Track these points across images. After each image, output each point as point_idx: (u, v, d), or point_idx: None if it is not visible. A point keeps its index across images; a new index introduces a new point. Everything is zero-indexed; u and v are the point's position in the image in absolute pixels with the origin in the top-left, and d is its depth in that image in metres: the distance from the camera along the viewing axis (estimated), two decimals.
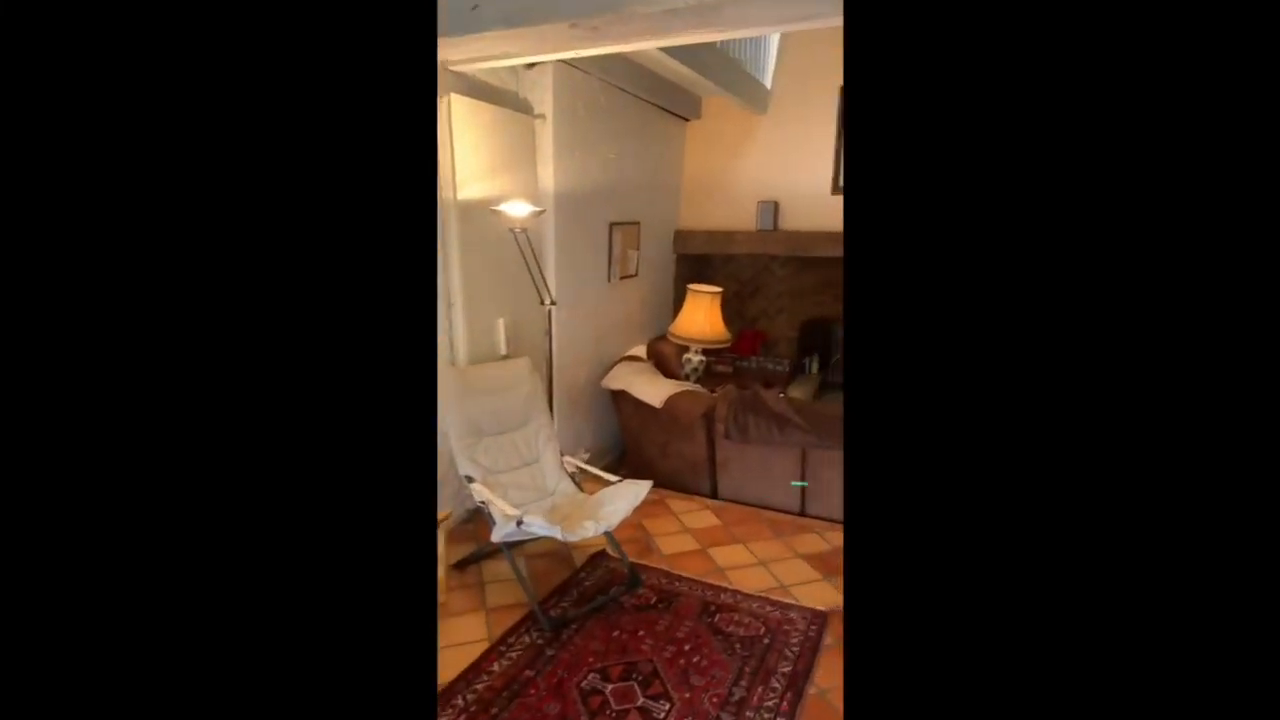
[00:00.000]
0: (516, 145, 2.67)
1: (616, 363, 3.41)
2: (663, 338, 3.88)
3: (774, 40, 4.19)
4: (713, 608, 2.07)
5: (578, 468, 2.37)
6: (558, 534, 1.87)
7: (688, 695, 1.69)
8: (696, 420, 2.79)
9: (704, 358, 3.64)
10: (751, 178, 4.41)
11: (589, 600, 2.10)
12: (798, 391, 4.24)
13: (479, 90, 2.50)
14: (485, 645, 1.86)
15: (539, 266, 2.64)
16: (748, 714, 1.64)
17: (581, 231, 3.14)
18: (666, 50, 2.93)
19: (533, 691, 1.70)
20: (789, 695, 1.70)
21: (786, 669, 1.80)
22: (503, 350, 2.63)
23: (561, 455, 2.39)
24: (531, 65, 2.68)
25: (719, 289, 3.64)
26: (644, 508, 2.75)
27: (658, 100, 3.79)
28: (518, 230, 2.43)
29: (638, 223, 3.80)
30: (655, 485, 3.09)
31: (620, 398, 3.10)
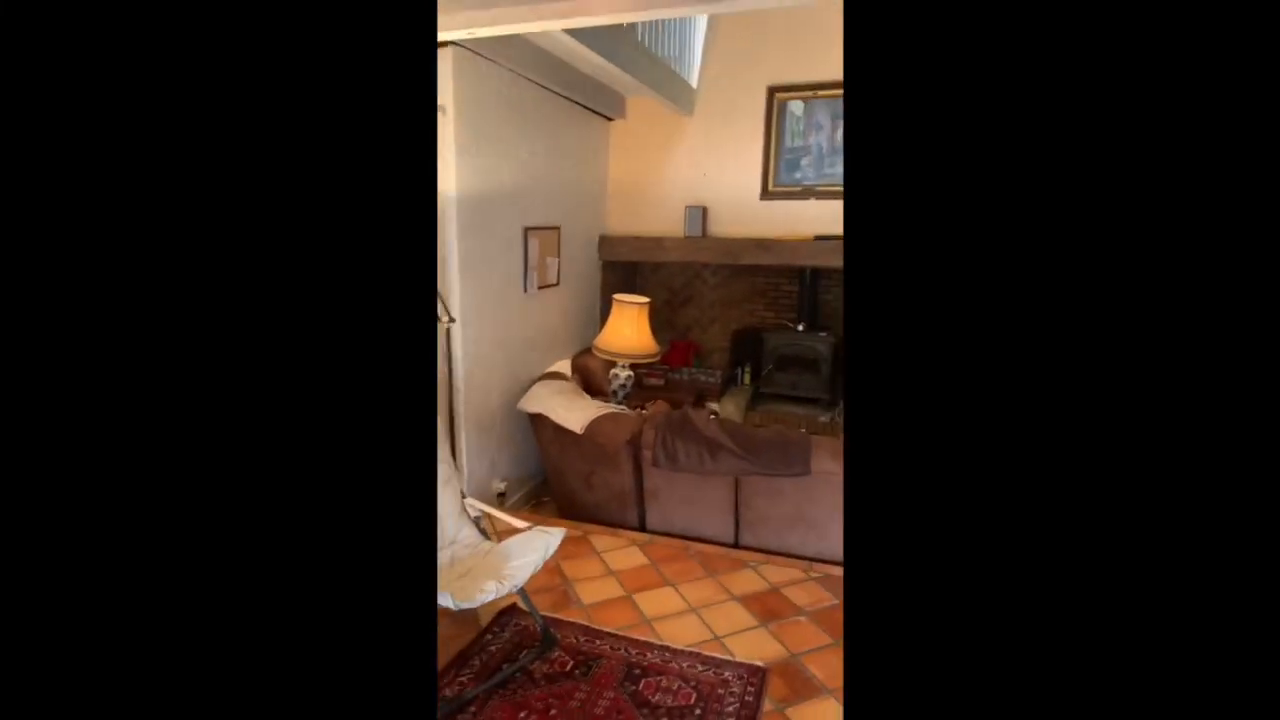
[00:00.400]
0: None
1: (535, 381, 3.10)
2: (589, 351, 3.61)
3: (699, 37, 4.01)
4: (637, 671, 1.80)
5: (482, 511, 2.06)
6: (449, 603, 1.56)
7: None
8: (621, 447, 2.53)
9: (632, 373, 3.39)
10: (679, 182, 4.21)
11: (494, 672, 1.79)
12: (730, 404, 4.06)
13: None
14: None
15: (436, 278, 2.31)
16: None
17: (490, 238, 2.82)
18: (585, 43, 2.67)
19: None
20: None
21: None
22: None
23: (464, 497, 2.08)
24: None
25: (646, 299, 3.40)
26: (565, 547, 2.46)
27: (577, 97, 3.52)
28: None
29: (557, 227, 3.51)
30: (579, 519, 2.82)
31: (538, 422, 2.80)
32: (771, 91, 3.85)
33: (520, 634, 1.97)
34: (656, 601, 2.14)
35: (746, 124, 3.97)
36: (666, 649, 1.90)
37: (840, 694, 1.71)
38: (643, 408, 3.59)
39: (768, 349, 4.17)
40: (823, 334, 4.04)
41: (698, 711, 1.67)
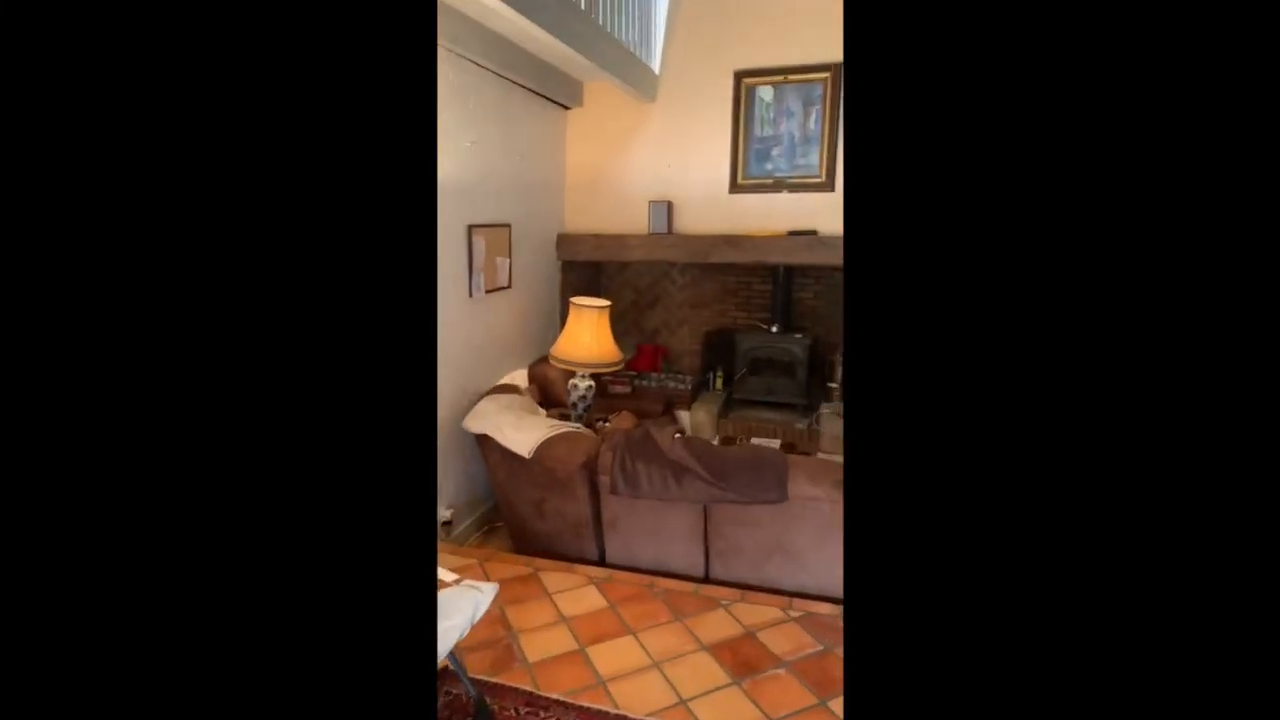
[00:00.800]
0: None
1: (484, 396, 2.79)
2: (547, 360, 3.31)
3: (661, 18, 3.72)
4: None
5: None
6: None
7: None
8: (575, 472, 2.24)
9: (593, 383, 3.10)
10: (642, 175, 3.92)
11: None
12: (702, 411, 3.79)
13: None
14: None
15: None
16: None
17: None
18: (536, 20, 2.37)
19: None
20: None
21: None
22: None
23: None
24: None
25: (607, 302, 3.11)
26: (513, 588, 2.16)
27: (529, 82, 3.21)
28: None
29: (508, 225, 3.20)
30: (532, 551, 2.52)
31: (485, 443, 2.50)
32: (739, 76, 3.58)
33: (451, 706, 1.67)
34: (614, 656, 1.85)
35: (713, 112, 3.70)
36: (624, 718, 1.61)
37: None
38: (605, 420, 3.30)
39: (740, 352, 3.91)
40: (798, 335, 3.80)
41: None
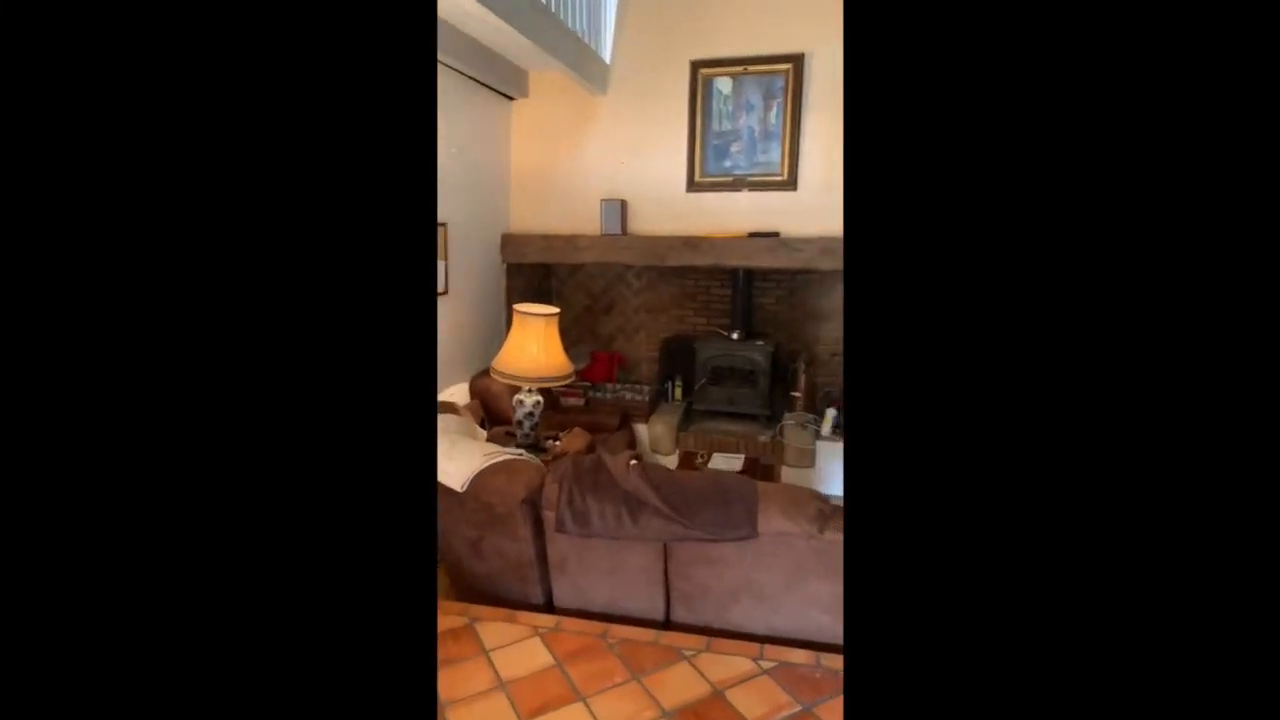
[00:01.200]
0: None
1: None
2: (488, 373, 3.00)
3: (611, 4, 3.47)
4: None
5: None
6: None
7: None
8: (517, 507, 1.96)
9: (540, 398, 2.82)
10: (594, 171, 3.66)
11: None
12: (660, 423, 3.55)
13: None
14: None
15: None
16: None
17: None
18: (482, 2, 2.09)
19: None
20: None
21: None
22: None
23: None
24: None
25: (555, 310, 2.83)
26: (446, 644, 1.86)
27: (468, 69, 2.91)
28: None
29: (443, 224, 2.89)
30: (470, 595, 2.22)
31: None
32: (696, 67, 3.36)
33: None
34: None
35: (668, 104, 3.46)
36: None
37: None
38: (556, 438, 3.02)
39: (700, 360, 3.69)
40: (759, 342, 3.60)
41: None
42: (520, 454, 2.20)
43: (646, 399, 3.73)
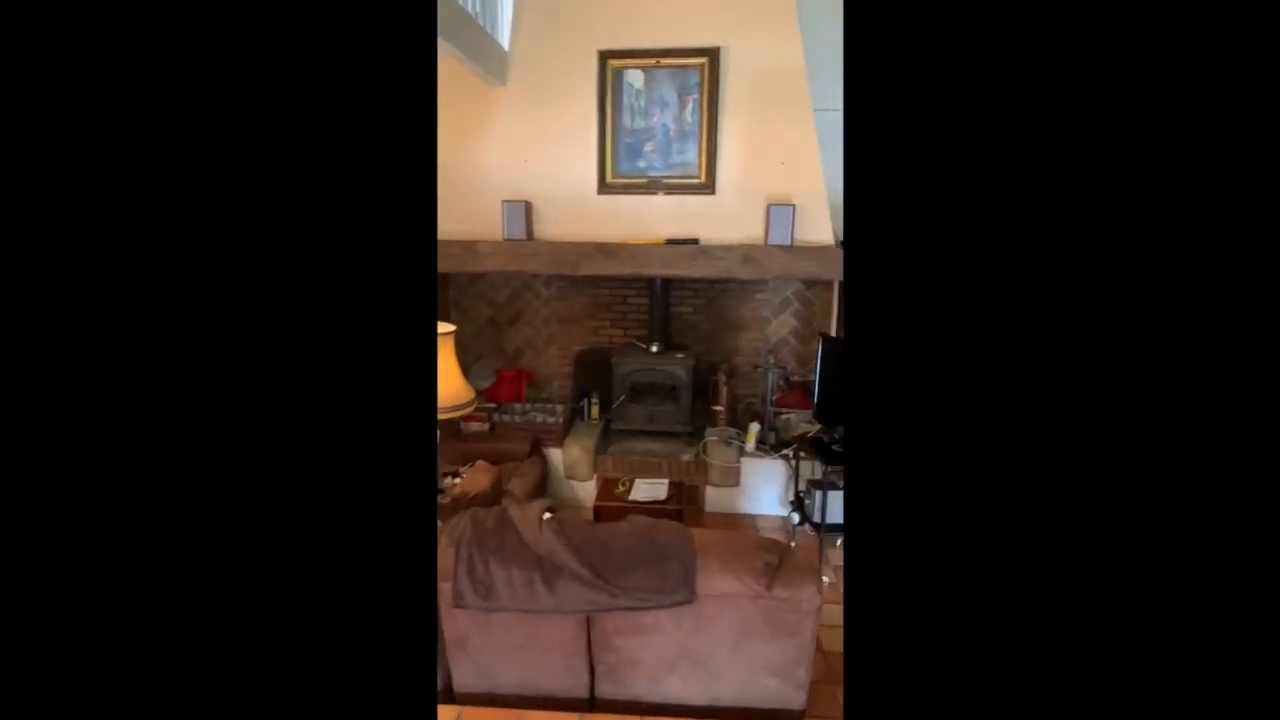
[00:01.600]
0: None
1: None
2: None
3: None
4: None
5: None
6: None
7: None
8: None
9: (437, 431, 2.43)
10: (493, 170, 3.29)
11: None
12: (576, 447, 3.25)
13: None
14: None
15: None
16: None
17: None
18: None
19: None
20: None
21: None
22: None
23: None
24: None
25: (450, 327, 2.46)
26: None
27: None
28: None
29: None
30: None
31: None
32: (604, 57, 3.08)
33: None
34: None
35: (575, 98, 3.17)
36: None
37: None
38: (456, 475, 2.64)
39: (618, 375, 3.42)
40: (679, 355, 3.39)
41: None
42: None
43: (560, 420, 3.41)
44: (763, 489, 3.27)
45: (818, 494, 2.78)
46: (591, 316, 3.67)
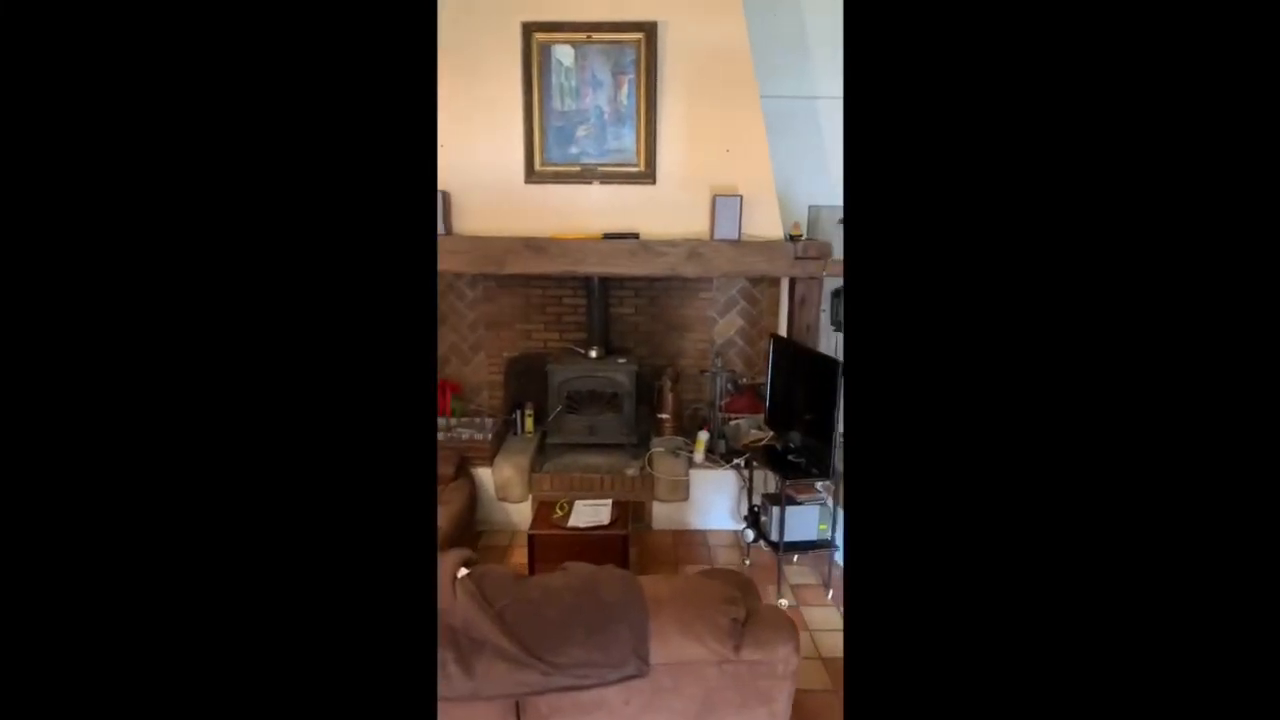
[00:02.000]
0: None
1: None
2: None
3: None
4: None
5: None
6: None
7: None
8: None
9: None
10: None
11: None
12: (509, 465, 2.92)
13: None
14: None
15: None
16: None
17: None
18: None
19: None
20: None
21: None
22: None
23: None
24: None
25: None
26: None
27: None
28: None
29: None
30: None
31: None
32: (529, 29, 2.75)
33: None
34: None
35: (497, 75, 2.82)
36: None
37: None
38: None
39: (554, 384, 3.11)
40: (621, 360, 3.11)
41: None
42: None
43: (489, 436, 3.06)
44: (713, 502, 3.03)
45: (774, 509, 2.56)
46: (523, 319, 3.33)
